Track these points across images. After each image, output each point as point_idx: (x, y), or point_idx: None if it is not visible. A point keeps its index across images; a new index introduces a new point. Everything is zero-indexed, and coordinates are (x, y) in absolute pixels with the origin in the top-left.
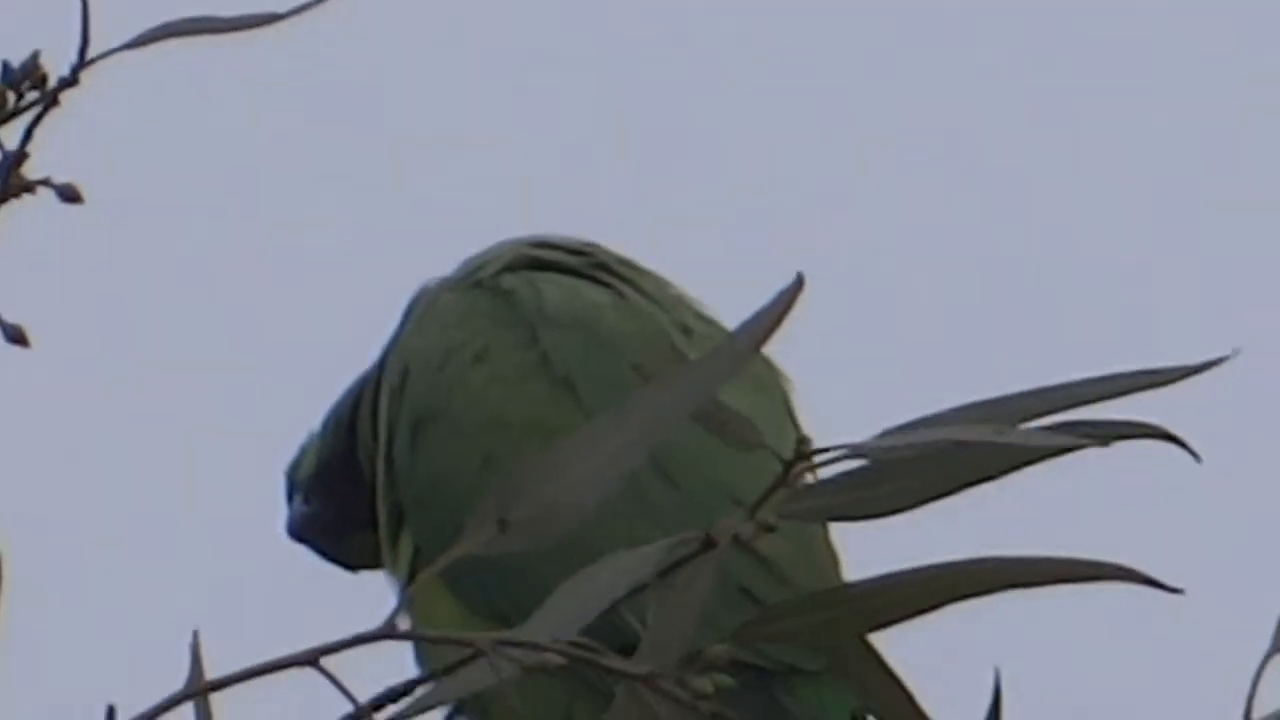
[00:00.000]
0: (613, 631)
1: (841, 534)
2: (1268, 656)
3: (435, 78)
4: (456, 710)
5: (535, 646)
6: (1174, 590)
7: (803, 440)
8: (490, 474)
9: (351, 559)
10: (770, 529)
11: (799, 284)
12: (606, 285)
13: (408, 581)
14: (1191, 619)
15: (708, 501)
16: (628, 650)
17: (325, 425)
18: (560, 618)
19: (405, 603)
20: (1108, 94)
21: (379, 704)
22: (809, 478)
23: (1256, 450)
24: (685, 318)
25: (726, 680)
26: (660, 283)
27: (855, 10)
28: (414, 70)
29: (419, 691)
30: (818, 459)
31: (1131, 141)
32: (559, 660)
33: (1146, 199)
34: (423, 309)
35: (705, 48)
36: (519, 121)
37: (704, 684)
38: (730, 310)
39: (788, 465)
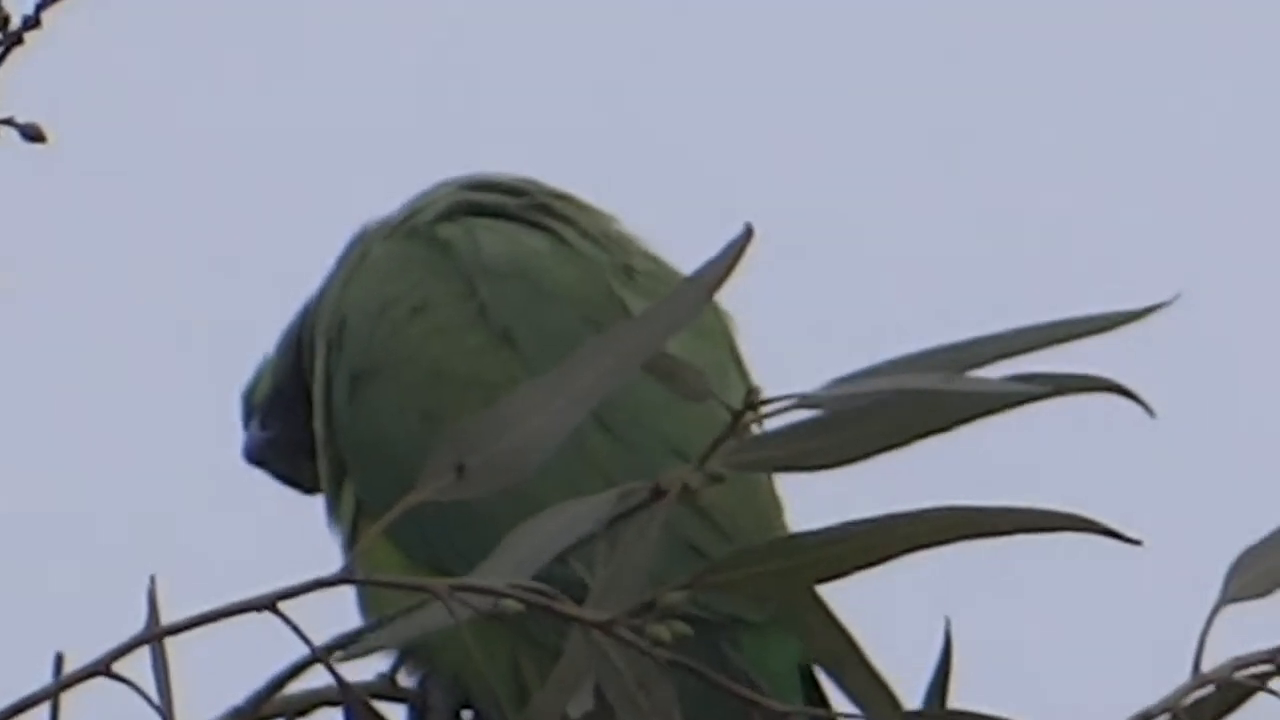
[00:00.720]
0: (559, 583)
1: (789, 484)
2: (1216, 608)
3: (426, 67)
4: (401, 660)
5: (492, 592)
6: (1132, 541)
7: (752, 390)
8: (431, 427)
9: (308, 482)
10: (719, 479)
11: (748, 234)
12: (546, 228)
13: (350, 533)
14: (1139, 570)
15: (649, 453)
16: (576, 602)
17: (279, 348)
18: (509, 566)
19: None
20: (1056, 47)
21: (334, 648)
22: (757, 427)
23: (1207, 395)
24: (629, 257)
25: (684, 628)
26: (602, 219)
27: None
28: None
29: (372, 635)
30: (767, 408)
31: (1082, 88)
32: (516, 606)
33: (1095, 149)
34: (359, 255)
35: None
36: (509, 107)
37: (661, 631)
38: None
39: (736, 415)
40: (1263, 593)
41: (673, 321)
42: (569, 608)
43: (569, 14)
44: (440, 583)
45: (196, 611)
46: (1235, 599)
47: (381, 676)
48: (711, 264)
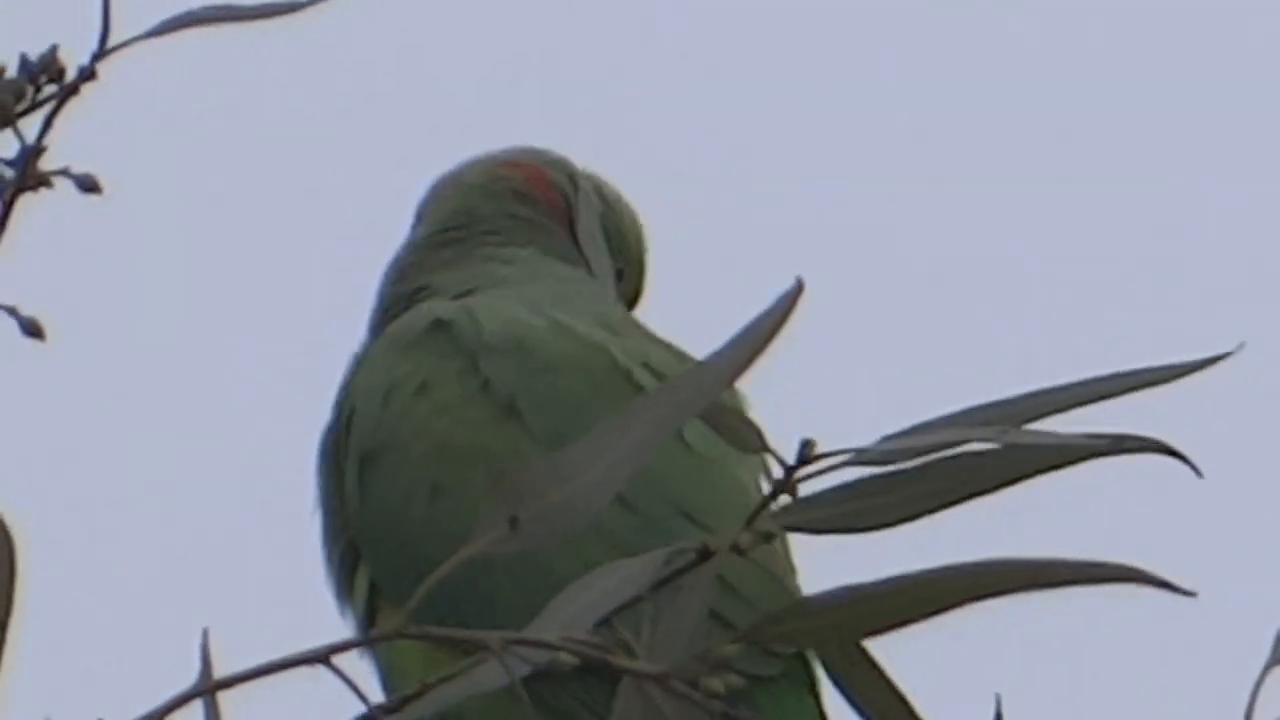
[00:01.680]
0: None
1: (812, 541)
2: (1267, 668)
3: (453, 66)
4: None
5: (546, 645)
6: (1187, 593)
7: (806, 443)
8: (440, 503)
9: None
10: (770, 538)
11: (799, 288)
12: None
13: (365, 616)
14: (1190, 625)
15: (660, 518)
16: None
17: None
18: (556, 628)
19: (368, 642)
20: (1104, 91)
21: (391, 708)
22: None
23: (1264, 450)
24: (638, 342)
25: (737, 680)
26: (620, 317)
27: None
28: (430, 59)
29: (425, 698)
30: (821, 464)
31: (1135, 137)
32: (571, 660)
33: (1147, 197)
34: (372, 347)
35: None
36: (529, 107)
37: (715, 684)
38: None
39: (789, 469)
40: None
41: (725, 373)
42: (623, 660)
43: (575, 15)
44: (495, 636)
45: (249, 665)
46: None
47: None
48: (763, 317)
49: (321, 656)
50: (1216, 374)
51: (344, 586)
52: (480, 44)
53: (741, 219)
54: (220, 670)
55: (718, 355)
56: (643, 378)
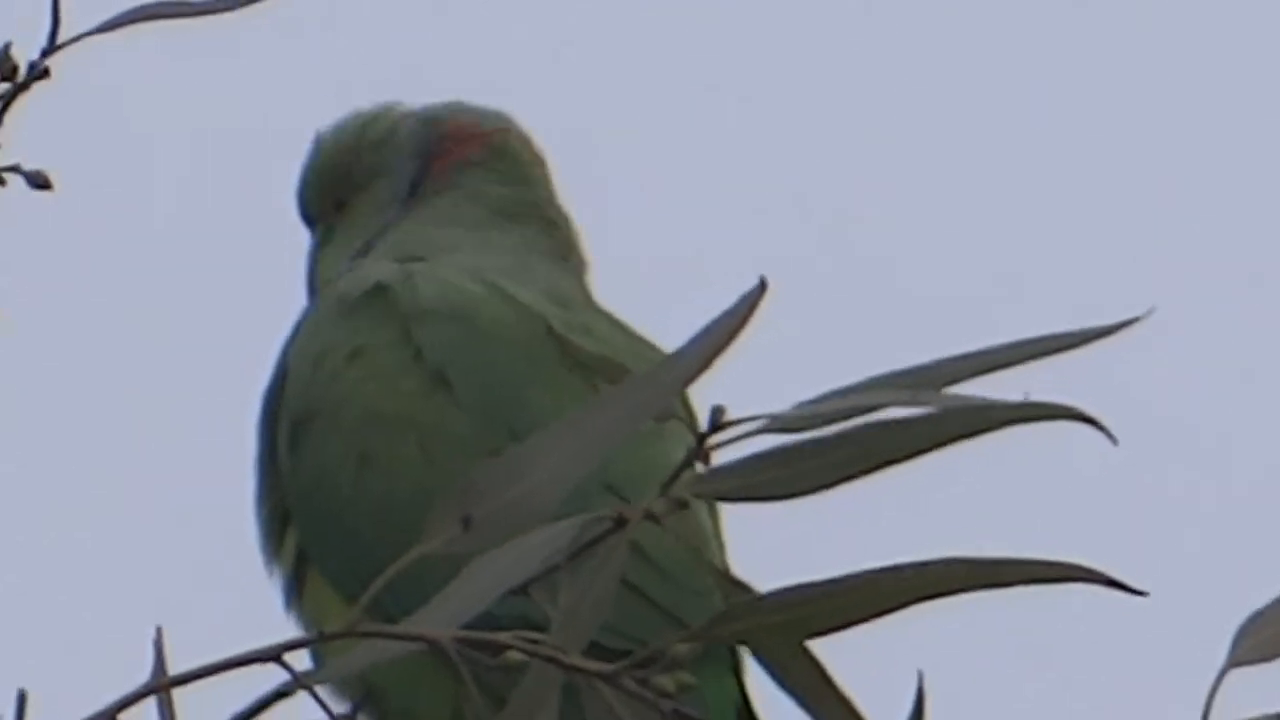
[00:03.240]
0: (518, 615)
1: (740, 518)
2: (1223, 672)
3: (413, 57)
4: (361, 704)
5: (497, 644)
6: (1138, 593)
7: (717, 409)
8: (368, 471)
9: None
10: (684, 505)
11: (762, 287)
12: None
13: (292, 579)
14: (1142, 620)
15: (587, 495)
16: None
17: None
18: (468, 597)
19: (291, 603)
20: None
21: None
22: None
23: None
24: (581, 315)
25: (688, 678)
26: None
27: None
28: (388, 51)
29: (330, 664)
30: (733, 430)
31: (1049, 103)
32: (519, 658)
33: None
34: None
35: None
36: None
37: (667, 682)
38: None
39: (700, 437)
40: (1270, 657)
41: (683, 374)
42: (575, 659)
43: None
44: (444, 634)
45: (201, 662)
46: (1242, 663)
47: (336, 718)
48: (725, 316)
49: (274, 654)
50: (1131, 339)
51: (272, 546)
52: (447, 30)
53: (700, 207)
54: (173, 668)
55: (679, 354)
56: (581, 350)
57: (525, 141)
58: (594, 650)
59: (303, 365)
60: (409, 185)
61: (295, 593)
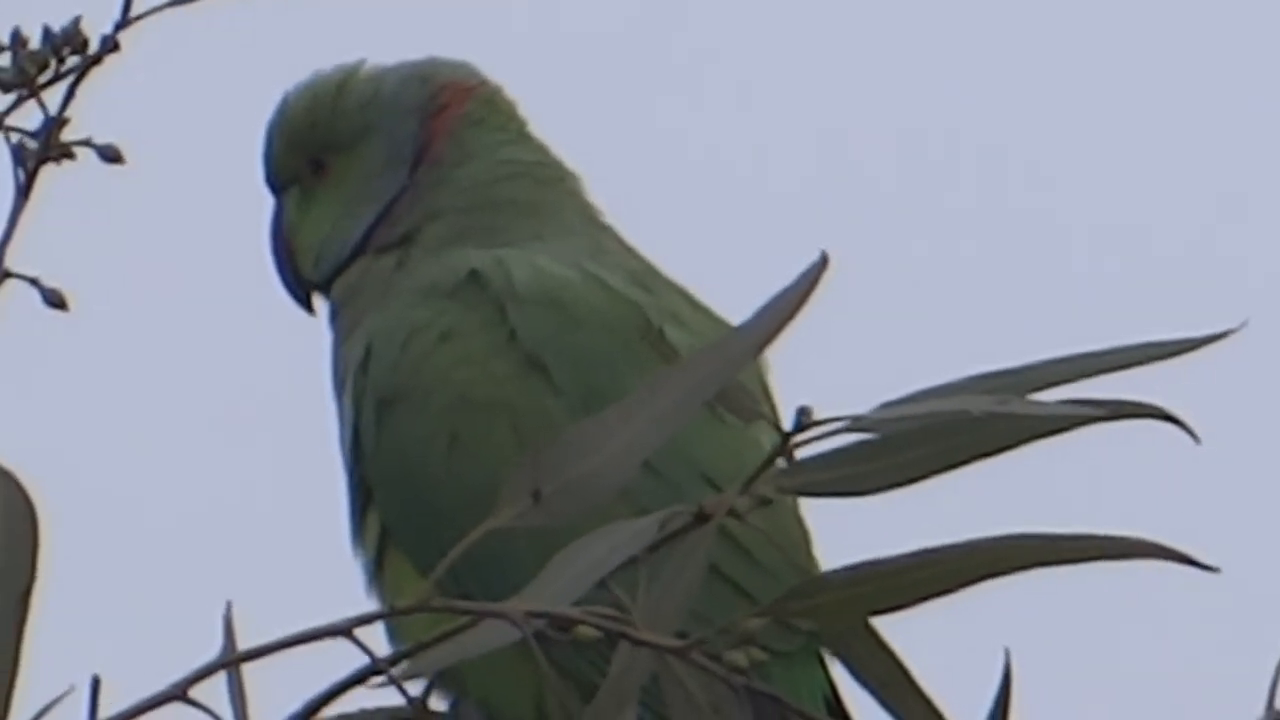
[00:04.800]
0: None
1: (824, 513)
2: None
3: (514, 42)
4: (433, 685)
5: (568, 619)
6: (1209, 569)
7: (803, 410)
8: (458, 453)
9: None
10: (766, 502)
11: (823, 262)
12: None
13: (375, 559)
14: (1209, 601)
15: (679, 480)
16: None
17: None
18: (555, 590)
19: (373, 582)
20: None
21: (392, 664)
22: (795, 453)
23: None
24: (671, 300)
25: (760, 654)
26: (653, 273)
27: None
28: (478, 39)
29: (424, 656)
30: (817, 430)
31: (1156, 112)
32: (592, 632)
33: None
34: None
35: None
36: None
37: (739, 657)
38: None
39: (786, 436)
40: None
41: (747, 349)
42: (646, 634)
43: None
44: (516, 608)
45: (271, 638)
46: None
47: (413, 701)
48: (786, 292)
49: (345, 629)
50: (1222, 350)
51: (357, 526)
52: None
53: (761, 188)
54: (243, 643)
55: (742, 329)
56: (674, 335)
57: (500, 89)
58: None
59: (389, 346)
60: (412, 148)
61: (377, 572)
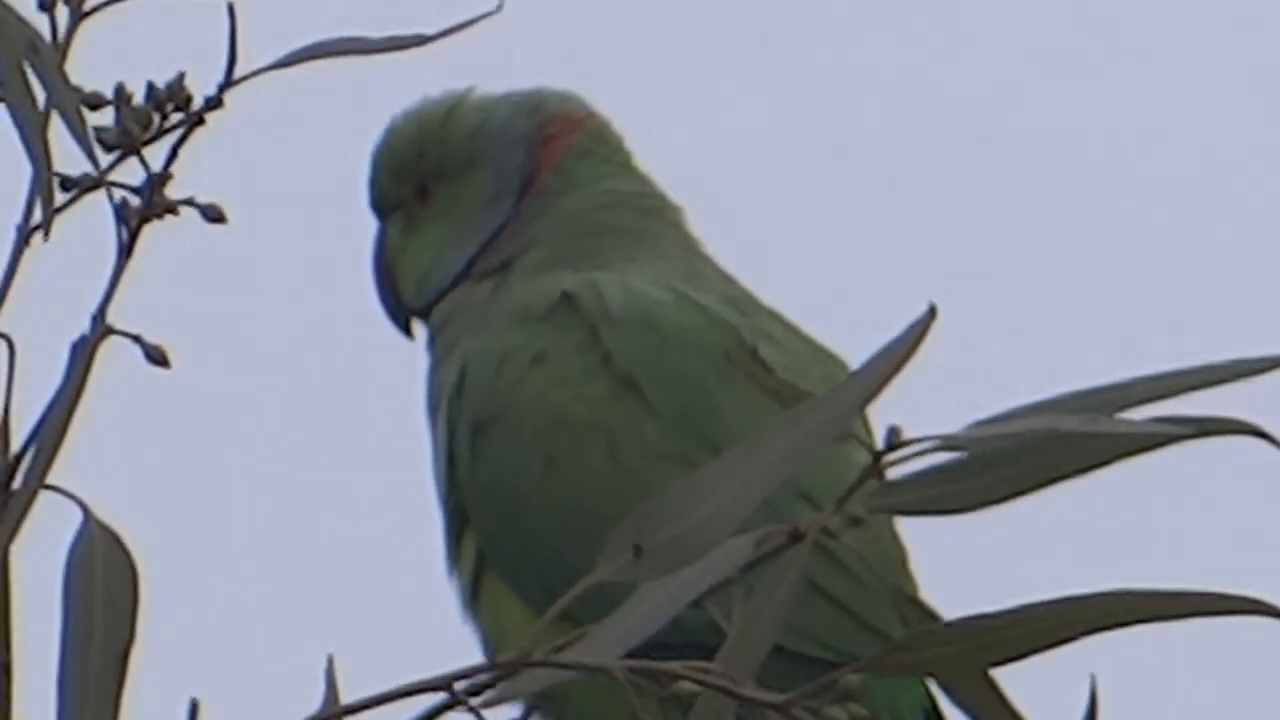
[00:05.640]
0: (694, 626)
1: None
2: None
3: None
4: (531, 709)
5: (668, 674)
6: None
7: (894, 430)
8: (554, 475)
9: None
10: (859, 522)
11: (932, 314)
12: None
13: (472, 583)
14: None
15: (777, 497)
16: (695, 647)
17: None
18: (648, 609)
19: (469, 606)
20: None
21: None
22: (886, 472)
23: None
24: (762, 320)
25: (860, 710)
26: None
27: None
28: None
29: (512, 682)
30: (908, 449)
31: (1249, 125)
32: (692, 688)
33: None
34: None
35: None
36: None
37: (839, 713)
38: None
39: (877, 455)
40: None
41: (854, 401)
42: (746, 690)
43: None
44: (619, 663)
45: (373, 692)
46: None
47: None
48: (894, 344)
49: (445, 684)
50: None
51: (452, 550)
52: (612, 74)
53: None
54: (346, 695)
55: (851, 380)
56: (769, 354)
57: (608, 122)
58: (787, 657)
59: (483, 370)
60: (519, 178)
61: (473, 596)
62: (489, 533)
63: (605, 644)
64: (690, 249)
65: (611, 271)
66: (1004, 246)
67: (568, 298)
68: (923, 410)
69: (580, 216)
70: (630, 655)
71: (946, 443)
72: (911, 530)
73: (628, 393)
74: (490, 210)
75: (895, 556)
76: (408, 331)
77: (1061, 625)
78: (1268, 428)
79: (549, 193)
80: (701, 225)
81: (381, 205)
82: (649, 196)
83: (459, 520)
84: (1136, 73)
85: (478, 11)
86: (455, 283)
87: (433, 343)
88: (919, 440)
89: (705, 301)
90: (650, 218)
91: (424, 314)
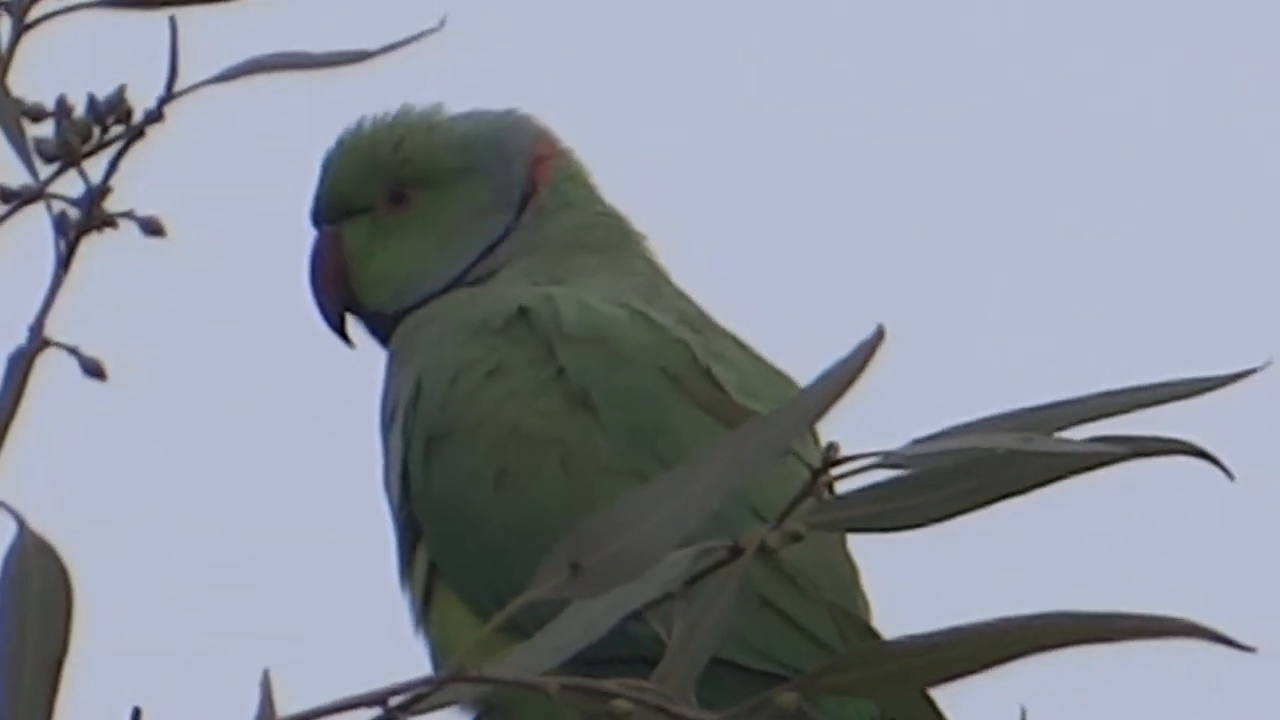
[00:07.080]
0: (634, 639)
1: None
2: None
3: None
4: (482, 717)
5: (603, 692)
6: (1246, 649)
7: (831, 447)
8: (506, 488)
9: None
10: (798, 538)
11: (879, 336)
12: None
13: (424, 596)
14: (1248, 673)
15: (727, 512)
16: (642, 659)
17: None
18: (585, 622)
19: (421, 619)
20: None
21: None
22: (836, 487)
23: None
24: (717, 341)
25: None
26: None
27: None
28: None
29: (453, 688)
30: (846, 466)
31: (1171, 145)
32: (626, 707)
33: (1183, 208)
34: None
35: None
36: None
37: None
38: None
39: (815, 473)
40: None
41: (797, 422)
42: (680, 707)
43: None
44: (552, 681)
45: (309, 706)
46: None
47: None
48: (841, 364)
49: (380, 699)
50: (1246, 388)
51: (405, 563)
52: (568, 94)
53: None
54: (282, 708)
55: (793, 403)
56: (721, 374)
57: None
58: (732, 670)
59: (437, 382)
60: (519, 191)
61: (425, 608)
62: (441, 545)
63: (537, 658)
64: (655, 269)
65: (569, 286)
66: (949, 267)
67: (524, 312)
68: (884, 428)
69: (575, 233)
70: (579, 668)
71: (886, 460)
72: (862, 550)
73: (580, 408)
74: (488, 220)
75: (845, 574)
76: (345, 337)
77: (999, 646)
78: (1207, 447)
79: (545, 208)
80: (659, 246)
81: (341, 207)
82: (624, 219)
83: (412, 532)
84: (1069, 90)
85: (420, 29)
86: (448, 287)
87: (397, 350)
88: (857, 457)
89: (660, 319)
90: (629, 239)
91: (391, 320)
